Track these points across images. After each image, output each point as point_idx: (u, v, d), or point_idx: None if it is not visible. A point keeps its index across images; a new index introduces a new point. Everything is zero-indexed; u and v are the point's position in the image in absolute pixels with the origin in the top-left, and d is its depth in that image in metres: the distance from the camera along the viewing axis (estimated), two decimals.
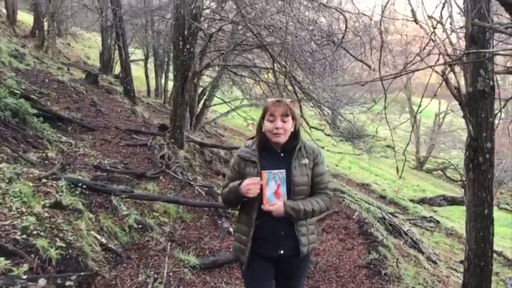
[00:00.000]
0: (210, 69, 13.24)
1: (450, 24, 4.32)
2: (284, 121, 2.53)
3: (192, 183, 6.70)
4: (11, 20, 17.29)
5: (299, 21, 7.62)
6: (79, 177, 5.08)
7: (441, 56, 4.05)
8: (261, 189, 2.46)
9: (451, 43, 4.26)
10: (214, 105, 14.99)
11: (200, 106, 13.68)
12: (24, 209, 3.53)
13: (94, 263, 3.54)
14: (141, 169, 6.59)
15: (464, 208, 4.36)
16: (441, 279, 6.45)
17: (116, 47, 13.64)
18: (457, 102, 4.23)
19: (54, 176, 4.56)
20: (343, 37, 7.58)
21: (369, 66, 6.67)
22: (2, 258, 2.88)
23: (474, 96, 3.99)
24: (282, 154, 2.61)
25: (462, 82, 4.29)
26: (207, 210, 6.00)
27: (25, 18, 20.76)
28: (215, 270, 4.43)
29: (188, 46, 7.47)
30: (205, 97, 13.71)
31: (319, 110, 9.05)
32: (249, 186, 2.45)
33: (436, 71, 4.13)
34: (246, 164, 2.60)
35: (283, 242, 2.59)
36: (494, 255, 8.48)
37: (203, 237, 5.22)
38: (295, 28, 7.98)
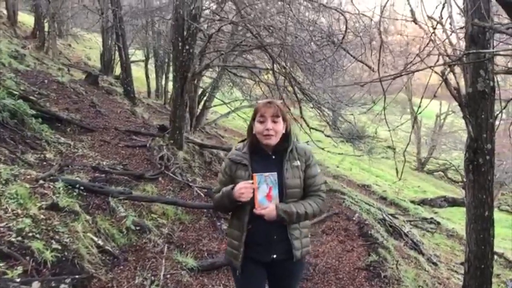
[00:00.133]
0: (211, 70, 13.23)
1: (450, 24, 4.29)
2: (274, 122, 2.49)
3: (191, 184, 6.67)
4: (12, 21, 17.30)
5: (299, 21, 7.59)
6: (77, 178, 5.05)
7: (441, 57, 4.02)
8: (253, 192, 2.43)
9: (451, 43, 4.23)
10: (214, 106, 14.97)
11: (200, 107, 13.65)
12: (20, 211, 3.50)
13: (90, 266, 3.50)
14: (140, 170, 6.56)
15: (465, 209, 4.33)
16: (441, 281, 6.41)
17: (117, 48, 13.62)
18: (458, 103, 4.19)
19: (51, 177, 4.53)
20: (343, 38, 7.55)
21: (370, 67, 6.65)
22: None
23: (474, 97, 3.96)
24: (273, 157, 2.57)
25: (462, 83, 4.26)
26: (206, 211, 5.97)
27: (26, 19, 20.77)
28: (213, 273, 4.40)
29: (187, 47, 7.44)
30: (205, 98, 13.69)
31: (319, 111, 9.01)
32: (242, 190, 2.41)
33: (435, 72, 4.10)
34: (237, 167, 2.55)
35: (276, 246, 2.54)
36: (495, 256, 8.45)
37: (201, 239, 5.19)
38: (295, 28, 7.96)
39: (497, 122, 4.22)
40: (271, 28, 7.52)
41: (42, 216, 3.61)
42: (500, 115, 4.27)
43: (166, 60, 17.53)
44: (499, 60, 6.23)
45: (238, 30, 10.23)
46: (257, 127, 2.51)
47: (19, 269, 2.85)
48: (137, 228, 4.66)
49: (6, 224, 3.26)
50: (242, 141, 2.69)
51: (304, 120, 8.75)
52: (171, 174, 6.74)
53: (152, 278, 3.85)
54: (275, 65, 7.82)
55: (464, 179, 4.32)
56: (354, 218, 7.79)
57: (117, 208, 4.72)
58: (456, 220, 13.41)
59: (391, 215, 9.75)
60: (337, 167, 18.03)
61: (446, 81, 3.97)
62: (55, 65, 13.22)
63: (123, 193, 5.00)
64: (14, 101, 6.25)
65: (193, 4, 7.36)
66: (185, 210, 5.76)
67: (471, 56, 3.94)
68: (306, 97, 8.43)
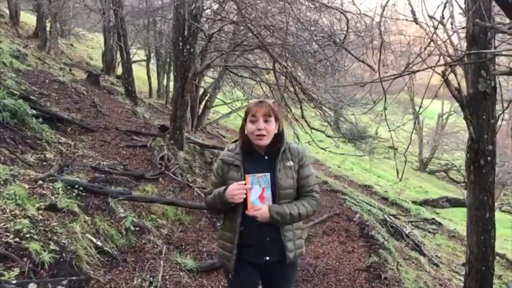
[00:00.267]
0: (212, 70, 13.22)
1: (451, 24, 4.26)
2: (266, 122, 2.46)
3: (191, 184, 6.66)
4: (14, 21, 17.35)
5: (300, 21, 7.56)
6: (77, 178, 5.03)
7: (442, 57, 3.99)
8: (246, 193, 2.40)
9: (452, 43, 4.20)
10: (216, 106, 14.95)
11: (202, 107, 13.64)
12: (18, 212, 3.49)
13: (89, 267, 3.49)
14: (140, 170, 6.56)
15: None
16: (442, 282, 6.38)
17: (118, 47, 13.63)
18: None
19: (50, 177, 4.52)
20: (344, 38, 7.53)
21: (371, 67, 6.61)
22: None
23: (475, 97, 3.93)
24: (266, 157, 2.53)
25: (464, 83, 4.22)
26: (206, 212, 5.95)
27: (28, 18, 20.81)
28: (212, 274, 4.38)
29: (188, 47, 7.43)
30: (206, 98, 13.67)
31: (320, 111, 8.99)
32: (234, 191, 2.38)
33: (436, 72, 4.07)
34: (230, 168, 2.53)
35: (269, 248, 2.52)
36: (497, 257, 8.44)
37: (201, 240, 5.17)
38: (296, 28, 7.93)
39: (499, 123, 4.19)
40: (272, 28, 7.50)
41: (40, 217, 3.60)
42: (502, 115, 4.25)
43: (168, 59, 17.54)
44: (501, 60, 6.21)
45: (240, 30, 10.21)
46: (249, 127, 2.48)
47: (16, 271, 2.83)
48: (137, 228, 4.64)
49: (4, 225, 3.24)
50: (235, 141, 2.66)
51: (305, 121, 8.72)
52: (172, 175, 6.73)
53: (151, 279, 3.84)
54: (276, 65, 7.80)
55: (466, 180, 4.29)
56: (355, 219, 7.76)
57: (117, 209, 4.70)
58: (458, 220, 13.37)
59: (393, 215, 9.72)
60: (339, 167, 18.01)
61: (447, 81, 3.94)
62: (57, 65, 13.22)
63: (123, 194, 4.98)
64: (14, 101, 6.24)
65: (193, 4, 7.34)
66: (185, 211, 5.74)
67: (472, 57, 3.91)
68: (307, 97, 8.40)
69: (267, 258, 2.52)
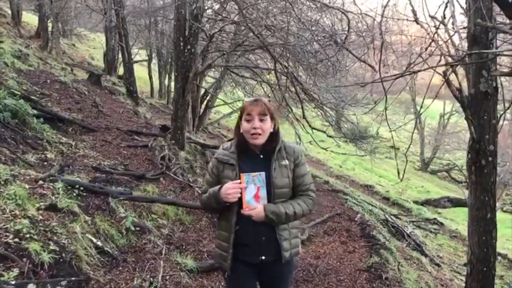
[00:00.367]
0: (213, 70, 13.22)
1: (453, 24, 4.24)
2: (262, 121, 2.45)
3: (192, 184, 6.65)
4: (16, 21, 17.36)
5: (301, 21, 7.55)
6: (77, 178, 5.03)
7: (443, 57, 3.97)
8: (241, 192, 2.39)
9: (453, 43, 4.18)
10: (217, 106, 14.96)
11: (203, 107, 13.64)
12: (18, 212, 3.48)
13: (89, 267, 3.48)
14: (141, 170, 6.55)
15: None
16: (444, 282, 6.37)
17: (120, 47, 13.63)
18: None
19: (51, 178, 4.52)
20: (345, 38, 7.51)
21: (372, 67, 6.60)
22: None
23: (476, 98, 3.92)
24: (261, 156, 2.52)
25: (465, 83, 4.21)
26: (207, 212, 5.94)
27: (30, 19, 20.83)
28: (213, 274, 4.36)
29: (189, 47, 7.43)
30: (207, 98, 13.68)
31: (321, 111, 8.97)
32: (229, 190, 2.37)
33: (438, 72, 4.05)
34: (224, 167, 2.51)
35: (265, 247, 2.51)
36: (499, 257, 8.41)
37: (202, 240, 5.16)
38: (297, 28, 7.92)
39: (500, 123, 4.18)
40: (273, 28, 7.49)
41: (40, 217, 3.60)
42: (503, 115, 4.23)
43: (169, 60, 17.55)
44: (503, 61, 6.18)
45: (241, 30, 10.20)
46: (244, 125, 2.47)
47: (16, 271, 2.83)
48: (137, 228, 4.64)
49: (4, 225, 3.24)
50: (230, 140, 2.65)
51: (307, 121, 8.71)
52: (173, 175, 6.72)
53: (151, 279, 3.83)
54: (277, 65, 7.78)
55: (467, 180, 4.28)
56: (356, 219, 7.76)
57: (117, 209, 4.70)
58: (459, 220, 13.34)
59: (394, 215, 9.71)
60: (340, 167, 17.99)
61: (448, 81, 3.93)
62: (58, 65, 13.24)
63: (123, 194, 4.98)
64: (15, 101, 6.25)
65: (194, 4, 7.34)
66: (185, 211, 5.73)
67: (474, 57, 3.90)
68: (308, 97, 8.38)
69: (263, 257, 2.51)
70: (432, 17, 4.30)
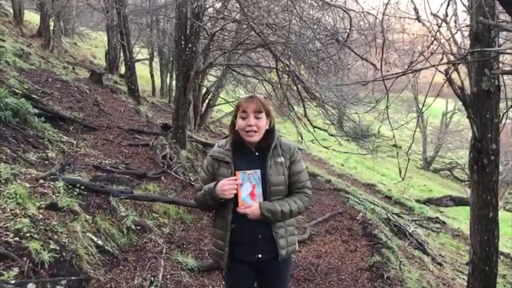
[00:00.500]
0: (215, 68, 13.21)
1: (455, 22, 4.22)
2: (257, 118, 2.42)
3: (193, 183, 6.64)
4: (18, 20, 17.37)
5: (303, 19, 7.53)
6: (79, 177, 5.02)
7: (445, 55, 3.95)
8: (236, 190, 2.37)
9: (455, 41, 4.16)
10: (219, 104, 14.96)
11: (205, 105, 13.64)
12: (18, 211, 3.48)
13: (89, 266, 3.48)
14: (142, 169, 6.55)
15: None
16: (446, 281, 6.35)
17: (121, 46, 13.64)
18: None
19: (52, 176, 4.51)
20: (347, 36, 7.48)
21: (374, 65, 6.57)
22: None
23: (479, 96, 3.90)
24: (257, 153, 2.50)
25: (467, 82, 4.18)
26: (201, 210, 5.92)
27: (32, 17, 20.85)
28: (214, 273, 4.35)
29: (190, 45, 7.42)
30: (209, 96, 13.67)
31: (323, 110, 8.95)
32: (225, 187, 2.35)
33: (439, 71, 4.03)
34: (220, 165, 2.49)
35: (261, 245, 2.49)
36: (501, 256, 8.39)
37: (203, 239, 5.15)
38: (299, 27, 7.90)
39: (503, 121, 4.15)
40: (275, 26, 7.47)
41: (40, 216, 3.59)
42: (506, 114, 4.20)
43: (171, 58, 17.55)
44: (506, 59, 6.14)
45: (242, 28, 10.18)
46: (239, 123, 2.44)
47: (16, 270, 2.83)
48: (138, 227, 4.64)
49: (4, 224, 3.24)
50: (225, 137, 2.62)
51: (308, 119, 8.69)
52: (174, 173, 6.72)
53: (152, 278, 3.82)
54: (278, 64, 7.76)
55: (469, 179, 4.25)
56: (358, 218, 7.74)
57: (118, 208, 4.69)
58: (462, 219, 13.31)
59: (396, 214, 9.68)
60: (342, 165, 17.96)
61: (450, 80, 3.90)
62: (60, 64, 13.25)
63: (124, 193, 4.97)
64: (16, 99, 6.24)
65: (196, 2, 7.32)
66: (186, 210, 5.73)
67: (476, 55, 3.87)
68: (310, 96, 8.36)
69: (259, 255, 2.50)
70: (434, 15, 4.28)
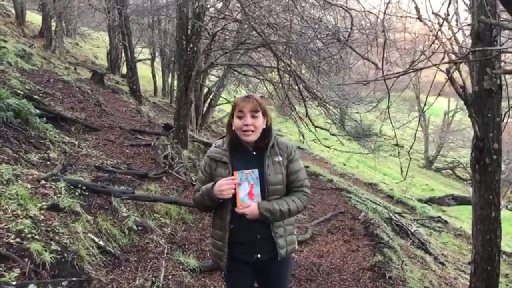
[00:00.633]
0: (217, 68, 13.21)
1: (456, 21, 4.20)
2: (254, 118, 2.41)
3: (195, 183, 6.63)
4: (20, 21, 17.42)
5: (304, 19, 7.52)
6: (80, 178, 5.03)
7: (446, 54, 3.93)
8: (234, 190, 2.36)
9: (457, 41, 4.14)
10: (220, 104, 14.96)
11: (206, 105, 13.64)
12: (19, 212, 3.48)
13: (90, 267, 3.48)
14: (144, 169, 6.56)
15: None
16: (448, 281, 6.33)
17: (123, 46, 13.65)
18: None
19: (53, 177, 4.52)
20: (349, 35, 7.48)
21: (375, 64, 6.57)
22: None
23: (480, 95, 3.88)
24: (254, 153, 2.49)
25: (469, 81, 4.17)
26: (200, 210, 5.92)
27: (34, 18, 20.88)
28: (216, 273, 4.35)
29: (191, 45, 7.42)
30: (211, 96, 13.67)
31: (324, 110, 8.95)
32: (223, 187, 2.34)
33: (441, 70, 4.02)
34: (217, 165, 2.48)
35: (260, 245, 2.48)
36: (504, 256, 8.35)
37: (204, 239, 5.15)
38: (300, 26, 7.89)
39: (505, 120, 4.13)
40: (276, 26, 7.46)
41: (42, 217, 3.59)
42: (508, 113, 4.19)
43: (173, 58, 17.56)
44: (508, 58, 6.12)
45: (243, 28, 10.18)
46: (236, 122, 2.43)
47: (17, 271, 2.83)
48: (139, 228, 4.64)
49: (5, 225, 3.24)
50: (222, 137, 2.61)
51: (310, 119, 8.69)
52: (175, 173, 6.73)
53: (153, 279, 3.82)
54: (280, 63, 7.76)
55: (471, 178, 4.24)
56: (360, 217, 7.73)
57: (120, 208, 4.69)
58: (464, 218, 13.28)
59: (398, 213, 9.66)
60: (344, 165, 17.95)
61: (451, 79, 3.89)
62: (62, 64, 13.27)
63: (126, 193, 4.97)
64: (18, 100, 6.25)
65: (197, 2, 7.32)
66: (188, 210, 5.73)
67: (477, 54, 3.85)
68: (311, 95, 8.36)
69: (258, 255, 2.49)
70: (436, 14, 4.27)
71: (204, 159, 2.59)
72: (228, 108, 16.44)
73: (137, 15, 14.58)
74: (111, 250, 3.99)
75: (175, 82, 16.88)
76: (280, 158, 2.48)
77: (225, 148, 2.50)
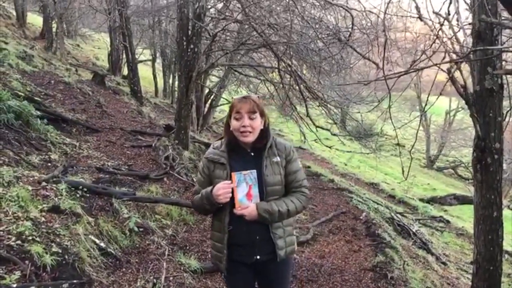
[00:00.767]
0: (217, 69, 13.20)
1: (457, 20, 4.19)
2: (251, 119, 2.40)
3: (196, 184, 6.62)
4: (21, 22, 17.43)
5: (305, 19, 7.52)
6: (81, 179, 5.03)
7: (447, 54, 3.92)
8: (232, 192, 2.35)
9: (458, 40, 4.13)
10: (221, 105, 14.96)
11: (207, 106, 13.63)
12: (20, 214, 3.48)
13: (91, 269, 3.47)
14: (145, 170, 6.55)
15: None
16: (450, 281, 6.31)
17: (123, 47, 13.66)
18: None
19: (54, 179, 4.52)
20: (349, 35, 7.47)
21: (376, 64, 6.55)
22: None
23: (482, 95, 3.87)
24: (252, 154, 2.48)
25: (470, 80, 4.16)
26: (199, 213, 5.92)
27: (35, 20, 20.91)
28: (217, 275, 4.34)
29: (192, 46, 7.42)
30: (212, 97, 13.67)
31: (325, 110, 8.94)
32: (220, 191, 2.33)
33: (442, 70, 4.00)
34: (215, 167, 2.47)
35: (259, 246, 2.47)
36: (506, 255, 8.33)
37: (206, 240, 5.14)
38: (300, 26, 7.88)
39: (507, 119, 4.12)
40: (276, 26, 7.46)
41: (43, 219, 3.59)
42: (510, 112, 4.17)
43: (173, 59, 17.55)
44: (509, 57, 6.10)
45: (244, 28, 10.18)
46: (234, 124, 2.42)
47: (17, 274, 2.82)
48: (140, 229, 4.63)
49: (6, 227, 3.24)
50: (220, 138, 2.61)
51: (311, 119, 8.68)
52: (176, 174, 6.72)
53: (154, 280, 3.82)
54: (280, 64, 7.75)
55: (473, 178, 4.23)
56: (361, 217, 7.72)
57: (121, 210, 4.69)
58: (466, 218, 13.24)
59: (400, 213, 9.65)
60: (345, 165, 17.92)
61: (452, 78, 3.88)
62: (63, 66, 13.27)
63: (127, 194, 4.97)
64: (19, 102, 6.25)
65: (197, 3, 7.32)
66: (189, 211, 5.72)
67: (478, 53, 3.84)
68: (312, 95, 8.35)
69: (258, 257, 2.48)
70: (436, 14, 4.25)
71: (202, 160, 2.58)
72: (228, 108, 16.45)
73: (138, 16, 14.58)
74: (112, 251, 3.98)
75: (176, 83, 16.88)
76: (278, 159, 2.47)
77: (223, 149, 2.49)
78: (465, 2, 4.25)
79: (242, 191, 2.37)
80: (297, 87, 8.18)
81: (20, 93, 6.92)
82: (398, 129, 4.57)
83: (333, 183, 11.10)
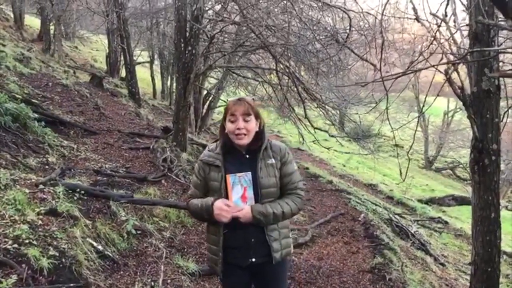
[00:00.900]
0: (215, 70, 13.20)
1: (454, 22, 4.20)
2: (246, 121, 2.39)
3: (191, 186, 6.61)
4: (19, 24, 17.43)
5: (302, 20, 7.52)
6: (79, 182, 5.01)
7: (444, 55, 3.92)
8: (227, 194, 2.36)
9: (455, 41, 4.13)
10: (220, 106, 14.96)
11: (205, 108, 13.63)
12: (17, 217, 3.46)
13: (89, 272, 3.46)
14: (143, 173, 6.54)
15: None
16: (449, 282, 6.32)
17: (121, 49, 13.65)
18: None
19: (52, 182, 4.50)
20: (347, 37, 7.47)
21: (374, 65, 6.56)
22: None
23: (479, 96, 3.87)
24: (247, 156, 2.47)
25: (467, 82, 4.16)
26: (194, 219, 5.91)
27: (33, 22, 20.90)
28: (215, 277, 4.32)
29: (190, 48, 7.40)
30: (210, 98, 13.66)
31: (323, 111, 8.94)
32: (222, 213, 2.32)
33: (439, 71, 4.01)
34: (210, 169, 2.46)
35: (254, 249, 2.46)
36: (504, 256, 8.33)
37: (203, 242, 5.12)
38: (298, 28, 7.89)
39: (504, 120, 4.12)
40: (274, 27, 7.46)
41: (40, 222, 3.58)
42: (508, 112, 4.17)
43: (171, 61, 17.55)
44: (507, 58, 6.10)
45: (242, 30, 10.18)
46: (228, 126, 2.42)
47: (14, 278, 2.81)
48: (138, 232, 4.62)
49: (3, 230, 3.22)
50: (215, 141, 2.60)
51: (309, 120, 8.68)
52: (174, 177, 6.71)
53: (152, 283, 3.81)
54: (278, 65, 7.75)
55: (470, 179, 4.23)
56: (360, 219, 7.72)
57: (118, 212, 4.67)
58: (464, 219, 13.24)
59: (398, 214, 9.65)
60: (344, 166, 17.93)
61: (449, 80, 3.88)
62: (61, 68, 13.27)
63: (124, 197, 4.95)
64: (16, 104, 6.23)
65: (195, 5, 7.32)
66: (187, 213, 5.69)
67: (475, 54, 3.84)
68: (310, 97, 8.35)
69: (253, 259, 2.47)
70: (434, 15, 4.26)
71: (198, 163, 2.57)
72: None
73: (136, 18, 14.57)
74: (110, 254, 3.97)
75: (174, 84, 16.88)
76: (273, 161, 2.46)
77: (218, 152, 2.48)
78: (462, 3, 4.25)
79: (236, 193, 2.37)
80: (295, 89, 8.18)
81: (17, 96, 6.90)
82: (396, 130, 4.57)
83: (332, 185, 11.10)
